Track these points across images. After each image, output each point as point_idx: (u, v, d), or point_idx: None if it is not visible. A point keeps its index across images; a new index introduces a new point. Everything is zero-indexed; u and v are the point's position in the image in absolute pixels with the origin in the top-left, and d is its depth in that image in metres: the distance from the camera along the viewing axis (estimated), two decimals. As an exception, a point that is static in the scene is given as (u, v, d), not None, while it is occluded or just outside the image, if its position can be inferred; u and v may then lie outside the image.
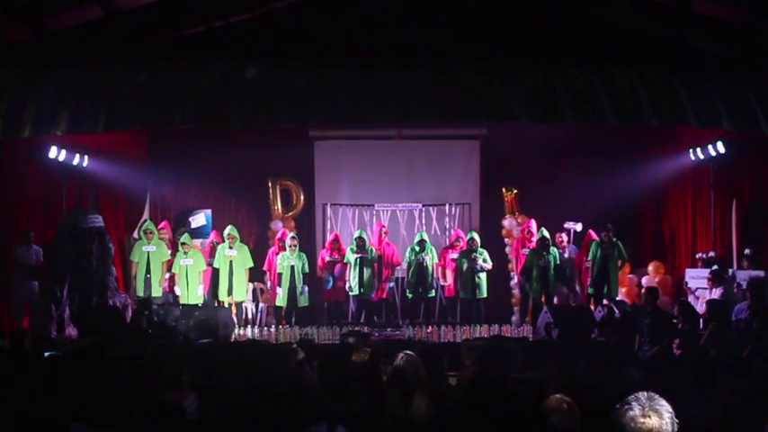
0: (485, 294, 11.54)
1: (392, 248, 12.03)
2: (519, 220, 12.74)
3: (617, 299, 10.99)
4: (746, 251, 10.39)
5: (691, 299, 10.62)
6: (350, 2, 9.93)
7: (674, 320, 9.15)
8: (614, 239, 11.17)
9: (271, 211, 13.19)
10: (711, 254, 11.10)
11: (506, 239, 12.84)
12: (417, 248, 11.51)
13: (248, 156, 13.05)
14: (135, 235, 12.45)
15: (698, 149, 11.74)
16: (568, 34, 9.70)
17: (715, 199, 11.69)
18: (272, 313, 12.05)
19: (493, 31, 9.71)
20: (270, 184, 13.22)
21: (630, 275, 12.59)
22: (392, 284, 11.91)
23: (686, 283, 11.14)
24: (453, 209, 13.35)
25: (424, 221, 13.22)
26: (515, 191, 13.21)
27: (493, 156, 13.50)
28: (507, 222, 12.99)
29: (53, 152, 10.81)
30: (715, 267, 10.43)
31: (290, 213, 13.24)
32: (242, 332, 10.31)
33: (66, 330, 10.07)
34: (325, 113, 9.42)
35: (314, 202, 13.52)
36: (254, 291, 12.21)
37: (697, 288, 10.75)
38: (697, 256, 11.55)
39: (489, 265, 11.56)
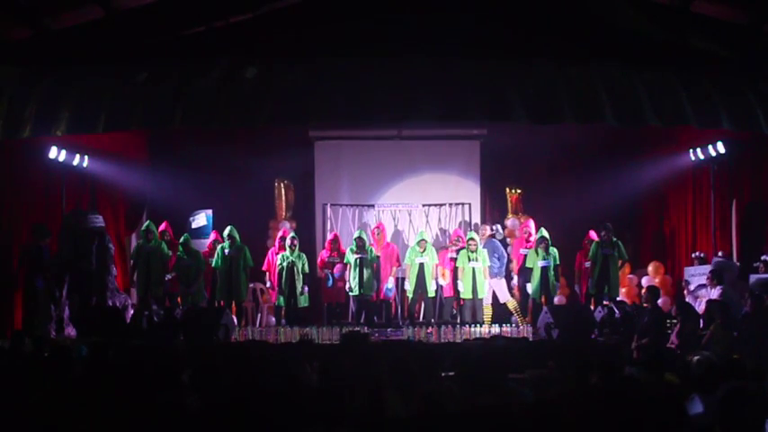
0: (485, 294, 11.53)
1: (392, 248, 12.03)
2: (522, 220, 12.74)
3: (617, 299, 10.98)
4: (763, 257, 10.34)
5: (689, 299, 10.60)
6: (350, 2, 9.94)
7: (673, 320, 9.15)
8: (614, 239, 11.15)
9: (275, 212, 13.24)
10: (720, 253, 11.10)
11: (509, 239, 12.83)
12: (417, 248, 11.50)
13: (248, 156, 13.06)
14: (135, 235, 12.46)
15: (698, 149, 11.74)
16: (568, 34, 9.70)
17: (715, 199, 11.69)
18: (272, 313, 12.05)
19: (493, 31, 9.71)
20: (276, 185, 13.28)
21: (630, 275, 12.59)
22: (392, 285, 11.90)
23: (686, 282, 11.14)
24: (453, 209, 13.36)
25: (424, 221, 13.23)
26: (519, 190, 13.19)
27: (493, 156, 13.51)
28: (510, 222, 12.98)
29: (53, 152, 10.81)
30: (718, 259, 10.43)
31: (290, 213, 13.33)
32: (242, 332, 10.30)
33: (65, 330, 10.07)
34: (326, 113, 9.43)
35: (314, 202, 13.52)
36: (254, 291, 12.21)
37: (697, 287, 10.75)
38: (693, 255, 11.57)
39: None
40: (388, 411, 4.11)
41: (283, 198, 13.35)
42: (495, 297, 11.80)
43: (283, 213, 13.30)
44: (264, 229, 13.23)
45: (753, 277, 10.11)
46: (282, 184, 13.36)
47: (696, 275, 11.02)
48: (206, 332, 9.58)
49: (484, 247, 11.59)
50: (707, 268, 10.88)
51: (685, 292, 10.95)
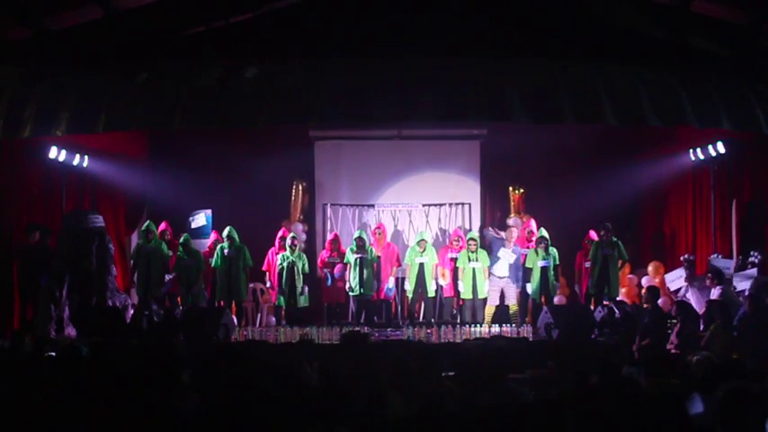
0: (485, 294, 11.53)
1: (392, 248, 12.03)
2: (523, 220, 12.73)
3: (617, 299, 10.98)
4: (754, 258, 10.35)
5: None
6: (350, 2, 9.95)
7: (673, 320, 9.15)
8: (614, 239, 11.14)
9: (290, 213, 13.25)
10: (718, 255, 11.11)
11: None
12: (417, 248, 11.51)
13: (248, 156, 13.05)
14: (135, 235, 12.45)
15: (698, 149, 11.73)
16: (568, 34, 9.71)
17: (715, 199, 11.68)
18: (272, 313, 12.05)
19: (493, 30, 9.72)
20: (294, 187, 13.28)
21: (630, 275, 12.58)
22: (392, 285, 11.90)
23: (668, 289, 11.14)
24: (453, 209, 13.36)
25: (424, 221, 13.23)
26: (522, 190, 13.19)
27: (493, 156, 13.50)
28: (512, 222, 12.97)
29: (53, 152, 10.80)
30: (714, 258, 10.42)
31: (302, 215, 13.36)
32: (242, 332, 10.30)
33: (65, 330, 10.07)
34: (326, 113, 9.42)
35: (314, 202, 13.52)
36: (254, 291, 12.21)
37: (684, 290, 10.76)
38: (681, 258, 11.56)
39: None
40: (388, 411, 4.11)
41: (300, 200, 13.37)
42: (501, 299, 11.71)
43: (297, 215, 13.31)
44: (272, 230, 13.19)
45: (745, 275, 10.09)
46: (301, 186, 13.38)
47: (676, 280, 11.05)
48: (206, 332, 9.58)
49: (512, 252, 11.60)
50: (681, 272, 10.95)
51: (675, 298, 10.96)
